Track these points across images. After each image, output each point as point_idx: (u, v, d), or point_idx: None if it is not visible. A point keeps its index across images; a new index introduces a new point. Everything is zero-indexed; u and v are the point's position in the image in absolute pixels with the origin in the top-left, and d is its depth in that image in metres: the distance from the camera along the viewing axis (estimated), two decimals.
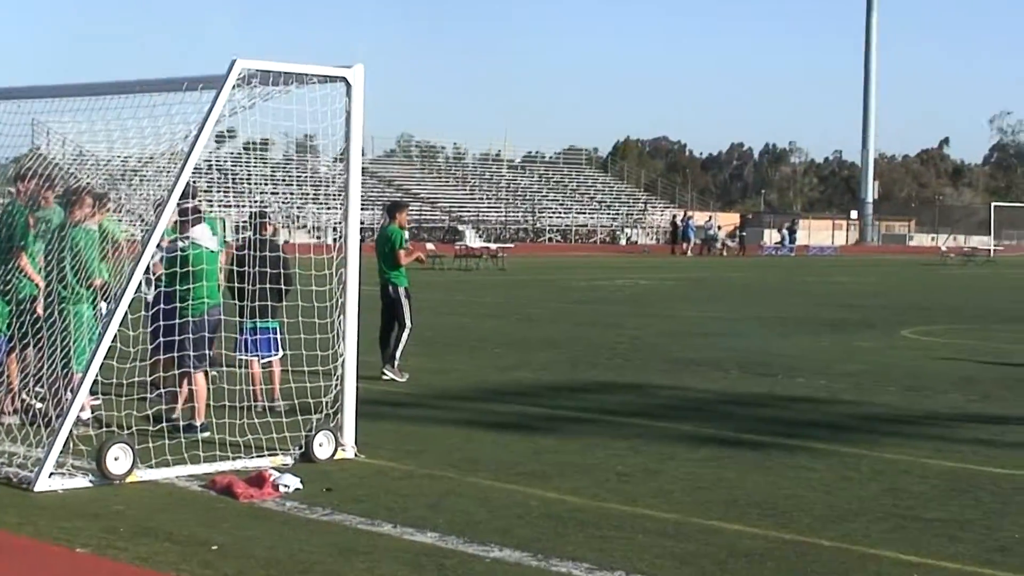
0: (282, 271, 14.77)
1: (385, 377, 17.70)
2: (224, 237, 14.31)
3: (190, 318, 13.16)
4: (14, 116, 13.50)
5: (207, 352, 13.43)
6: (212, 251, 13.59)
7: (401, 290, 18.38)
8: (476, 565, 8.82)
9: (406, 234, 18.90)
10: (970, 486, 11.71)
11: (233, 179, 79.70)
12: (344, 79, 12.49)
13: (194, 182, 12.68)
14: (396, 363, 18.00)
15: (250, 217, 15.16)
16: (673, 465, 12.40)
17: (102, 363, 11.20)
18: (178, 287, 13.24)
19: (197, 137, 11.51)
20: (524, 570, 8.73)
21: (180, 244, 13.37)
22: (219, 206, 68.48)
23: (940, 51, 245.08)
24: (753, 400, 16.90)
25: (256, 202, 77.93)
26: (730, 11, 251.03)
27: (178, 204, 12.03)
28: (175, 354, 13.23)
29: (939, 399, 17.18)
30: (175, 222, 13.43)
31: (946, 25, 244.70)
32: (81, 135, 13.70)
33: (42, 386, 12.50)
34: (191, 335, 13.12)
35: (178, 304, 13.16)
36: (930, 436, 14.32)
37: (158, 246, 12.05)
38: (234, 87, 11.79)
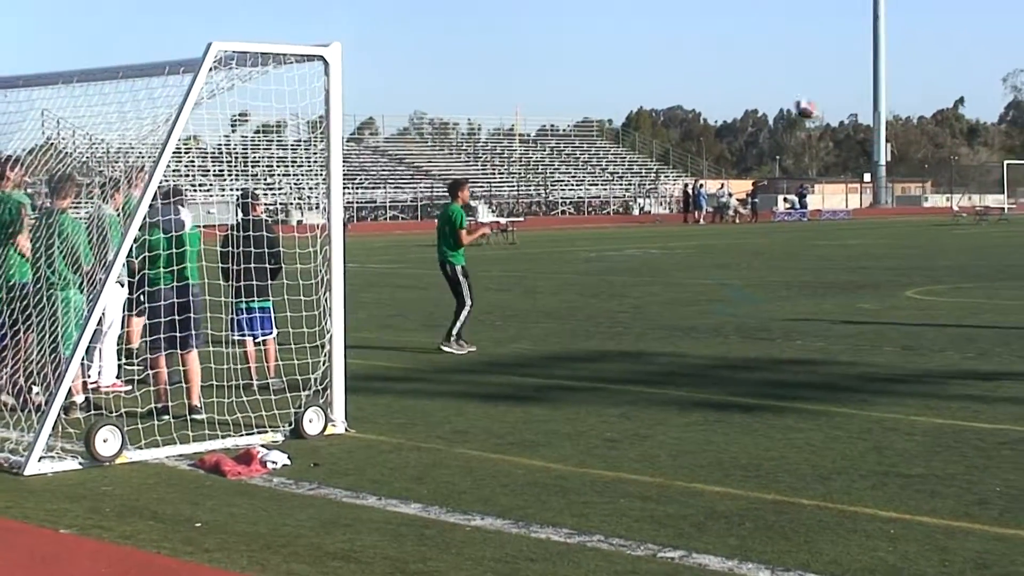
0: (272, 250, 14.89)
1: (445, 350, 18.05)
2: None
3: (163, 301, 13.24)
4: (10, 106, 13.62)
5: (180, 333, 13.40)
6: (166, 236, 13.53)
7: (459, 268, 18.60)
8: (456, 534, 8.91)
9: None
10: (956, 442, 11.77)
11: (245, 162, 79.78)
12: (322, 58, 12.56)
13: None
14: (452, 337, 18.24)
15: (239, 198, 15.28)
16: (662, 431, 12.48)
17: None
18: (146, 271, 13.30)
19: (176, 121, 11.59)
20: (504, 537, 8.82)
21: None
22: (232, 189, 68.75)
23: (952, 10, 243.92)
24: (749, 364, 16.97)
25: (269, 184, 77.96)
26: None
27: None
28: (147, 338, 13.32)
29: (935, 357, 17.23)
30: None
31: None
32: (79, 120, 13.82)
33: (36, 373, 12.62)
34: (155, 318, 13.16)
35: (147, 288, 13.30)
36: (921, 394, 14.37)
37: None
38: (212, 69, 11.89)
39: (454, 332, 18.30)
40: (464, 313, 18.43)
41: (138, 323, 15.06)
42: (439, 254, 18.75)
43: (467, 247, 18.97)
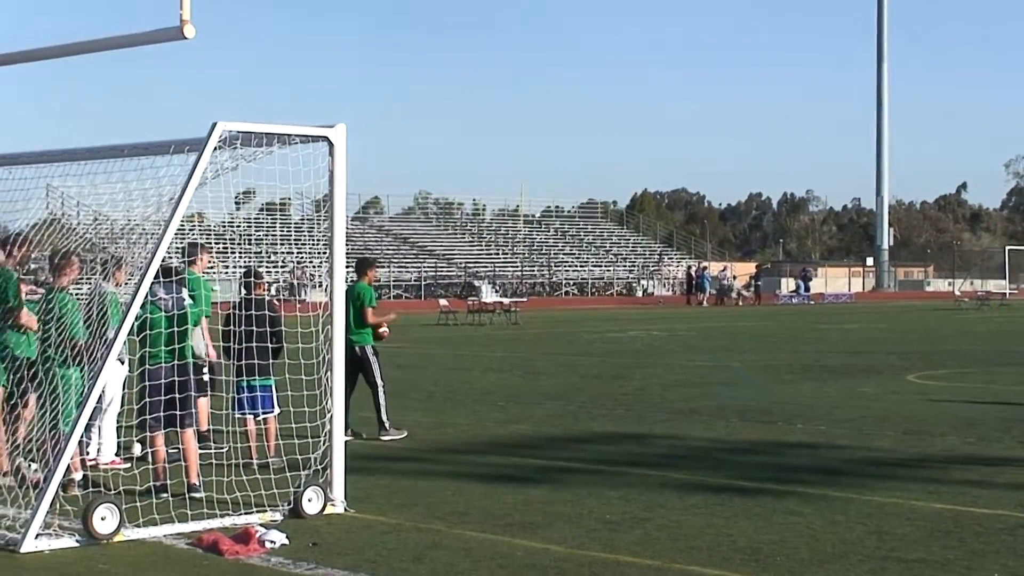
0: (273, 329, 14.91)
1: (385, 440, 17.38)
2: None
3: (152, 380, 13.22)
4: (15, 183, 13.69)
5: (179, 412, 13.34)
6: (167, 314, 13.53)
7: (368, 348, 17.80)
8: None
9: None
10: (955, 527, 11.75)
11: (248, 240, 79.92)
12: (327, 138, 12.66)
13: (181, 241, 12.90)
14: (388, 424, 17.64)
15: (241, 276, 15.35)
16: (661, 513, 12.45)
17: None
18: (144, 349, 13.30)
19: (180, 200, 11.66)
20: None
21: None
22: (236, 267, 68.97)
23: (955, 97, 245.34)
24: (750, 447, 16.95)
25: (275, 262, 77.83)
26: (744, 62, 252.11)
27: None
28: (147, 416, 13.27)
29: (935, 442, 17.21)
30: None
31: (959, 72, 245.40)
32: (83, 197, 13.94)
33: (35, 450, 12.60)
34: (154, 396, 13.12)
35: (148, 366, 13.27)
36: (922, 479, 14.35)
37: None
38: (217, 149, 11.97)
39: (385, 419, 17.61)
40: (383, 396, 17.68)
41: (204, 404, 15.24)
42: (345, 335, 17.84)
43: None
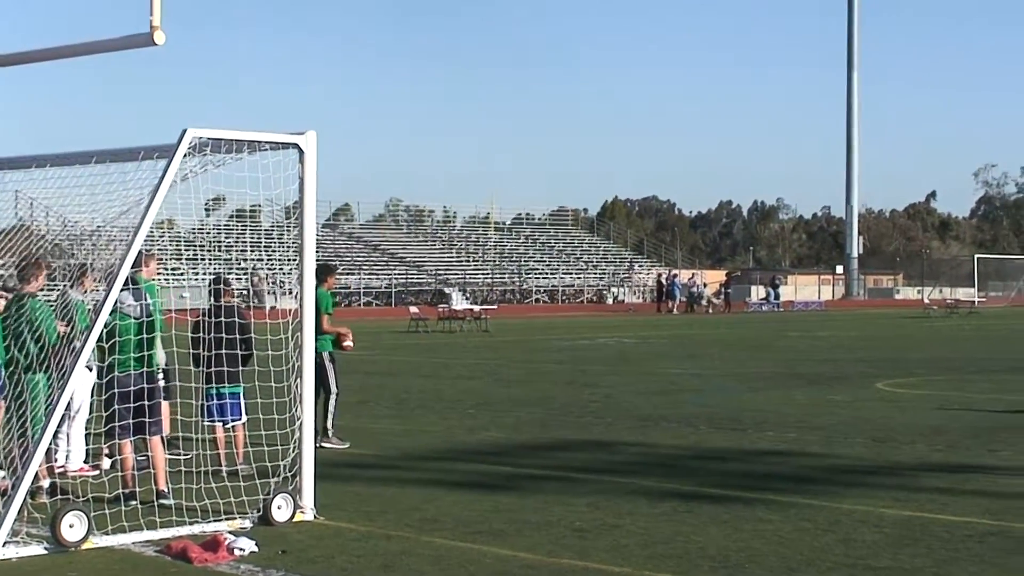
0: (243, 336, 14.88)
1: (326, 446, 17.06)
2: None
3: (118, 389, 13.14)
4: None
5: (129, 421, 13.26)
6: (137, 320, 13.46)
7: (325, 355, 17.55)
8: None
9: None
10: (923, 534, 11.78)
11: (218, 247, 79.80)
12: (296, 145, 12.63)
13: (147, 249, 12.84)
14: (331, 432, 17.55)
15: (211, 283, 15.30)
16: (631, 520, 12.46)
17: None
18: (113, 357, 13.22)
19: (148, 206, 11.62)
20: None
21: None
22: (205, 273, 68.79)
23: (925, 106, 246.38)
24: (719, 455, 16.97)
25: (245, 268, 77.63)
26: (715, 68, 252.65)
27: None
28: (115, 423, 13.21)
29: (904, 450, 17.27)
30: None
31: (929, 80, 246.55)
32: (51, 202, 13.86)
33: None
34: (126, 404, 13.06)
35: (116, 374, 13.17)
36: (891, 486, 14.39)
37: None
38: (186, 155, 11.93)
39: (329, 426, 17.51)
40: (333, 403, 17.60)
41: (166, 409, 15.19)
42: None
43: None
